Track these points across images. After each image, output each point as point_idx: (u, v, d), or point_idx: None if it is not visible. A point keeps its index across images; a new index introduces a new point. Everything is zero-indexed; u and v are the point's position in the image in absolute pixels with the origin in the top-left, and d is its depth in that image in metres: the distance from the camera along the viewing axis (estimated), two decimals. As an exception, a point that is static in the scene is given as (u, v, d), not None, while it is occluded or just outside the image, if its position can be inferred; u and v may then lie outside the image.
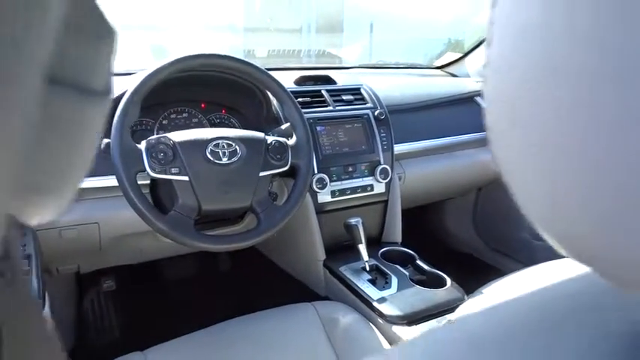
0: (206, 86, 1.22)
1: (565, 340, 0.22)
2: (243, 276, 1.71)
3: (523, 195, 0.19)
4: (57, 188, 0.21)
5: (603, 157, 0.15)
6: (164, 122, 1.20)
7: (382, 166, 1.29)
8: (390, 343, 0.98)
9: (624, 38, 0.14)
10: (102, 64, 0.20)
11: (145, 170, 0.94)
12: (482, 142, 1.50)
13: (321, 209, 1.25)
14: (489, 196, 1.74)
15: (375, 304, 1.04)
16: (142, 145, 0.95)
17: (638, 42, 0.13)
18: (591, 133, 0.15)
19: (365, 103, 1.36)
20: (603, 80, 0.14)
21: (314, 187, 1.20)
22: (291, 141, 1.09)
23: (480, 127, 1.47)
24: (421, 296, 1.06)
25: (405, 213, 1.37)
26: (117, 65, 0.22)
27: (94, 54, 0.19)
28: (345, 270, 1.18)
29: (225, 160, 0.98)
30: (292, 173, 1.10)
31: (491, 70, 0.19)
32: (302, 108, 1.16)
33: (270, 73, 1.10)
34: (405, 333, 0.99)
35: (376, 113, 1.33)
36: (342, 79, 1.43)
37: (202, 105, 1.25)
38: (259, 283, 1.64)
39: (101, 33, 0.19)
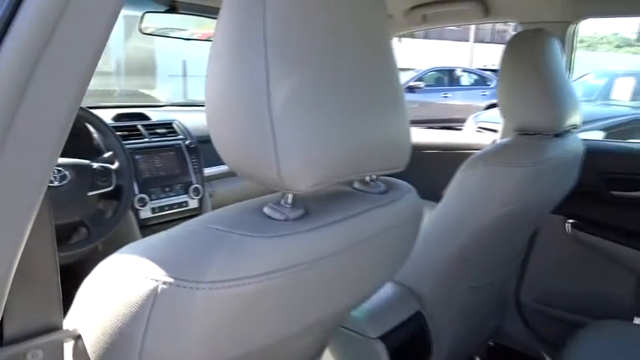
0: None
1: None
2: None
3: (218, 141, 0.50)
4: None
5: (235, 112, 0.47)
6: None
7: (194, 186, 1.58)
8: None
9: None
10: None
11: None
12: None
13: (143, 224, 1.47)
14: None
15: None
16: None
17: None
18: (232, 100, 0.47)
19: (177, 135, 1.64)
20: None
21: (136, 205, 1.43)
22: (115, 166, 1.31)
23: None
24: None
25: None
26: None
27: None
28: None
29: (56, 183, 1.17)
30: (117, 193, 1.32)
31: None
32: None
33: (91, 110, 1.32)
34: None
35: (187, 143, 1.62)
36: (156, 116, 1.68)
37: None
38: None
39: None
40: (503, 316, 1.60)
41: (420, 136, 1.98)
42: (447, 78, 9.17)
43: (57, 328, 0.47)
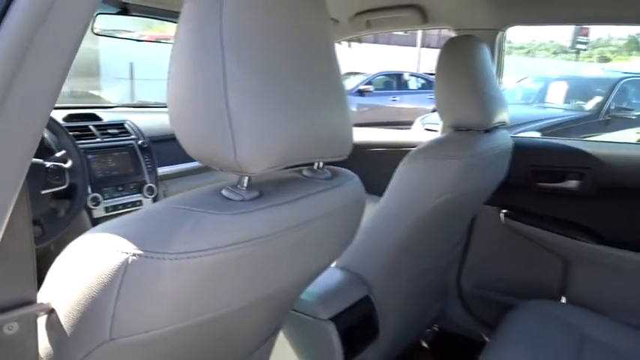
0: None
1: None
2: None
3: (181, 133, 0.56)
4: None
5: (192, 102, 0.53)
6: None
7: (148, 185, 1.60)
8: None
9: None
10: None
11: None
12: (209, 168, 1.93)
13: (97, 223, 1.47)
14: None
15: None
16: None
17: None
18: (190, 89, 0.53)
19: (129, 135, 1.65)
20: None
21: (89, 204, 1.44)
22: (68, 165, 1.32)
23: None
24: None
25: None
26: None
27: None
28: None
29: (8, 181, 1.17)
30: (70, 192, 1.33)
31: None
32: (73, 140, 1.40)
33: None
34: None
35: (140, 143, 1.63)
36: (107, 117, 1.69)
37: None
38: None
39: None
40: (446, 302, 1.71)
41: (367, 134, 2.07)
42: (395, 82, 9.42)
43: (31, 302, 0.51)
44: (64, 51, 0.43)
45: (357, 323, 1.15)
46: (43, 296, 0.54)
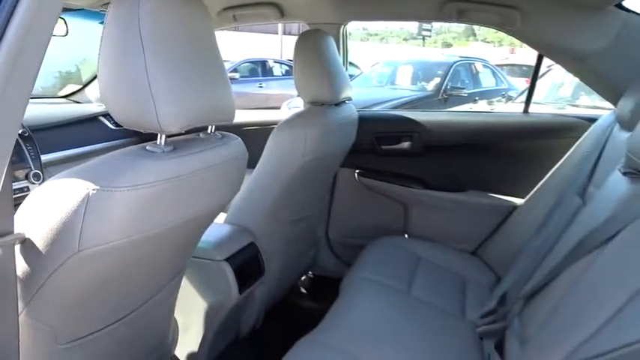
0: None
1: None
2: None
3: (113, 108, 0.77)
4: None
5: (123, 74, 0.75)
6: None
7: (34, 172, 1.68)
8: None
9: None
10: None
11: None
12: (109, 149, 2.04)
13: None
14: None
15: None
16: None
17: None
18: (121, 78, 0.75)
19: (9, 125, 1.71)
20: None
21: (-22, 192, 1.50)
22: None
23: (104, 138, 2.03)
24: None
25: None
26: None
27: None
28: None
29: None
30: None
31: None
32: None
33: None
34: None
35: (20, 132, 1.70)
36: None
37: None
38: None
39: None
40: (317, 252, 2.05)
41: (243, 115, 2.33)
42: (260, 69, 9.66)
43: (9, 232, 0.69)
44: (39, 54, 0.63)
45: (246, 263, 1.41)
46: (17, 229, 0.72)
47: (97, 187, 0.70)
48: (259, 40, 16.37)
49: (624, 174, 1.06)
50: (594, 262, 0.95)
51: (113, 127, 2.07)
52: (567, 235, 1.19)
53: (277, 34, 15.81)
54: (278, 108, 6.80)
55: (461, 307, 1.41)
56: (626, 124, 1.31)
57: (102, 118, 2.10)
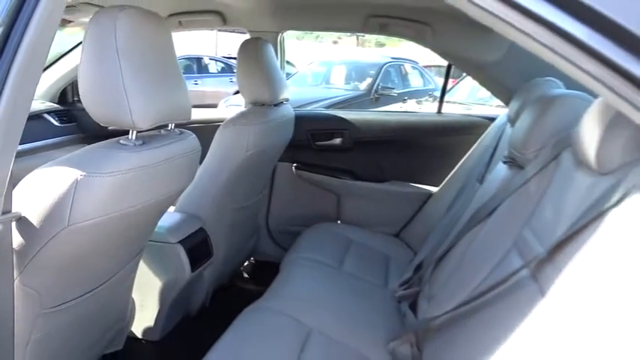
0: None
1: None
2: None
3: (91, 108, 0.93)
4: None
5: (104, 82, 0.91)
6: None
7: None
8: None
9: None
10: None
11: None
12: (55, 145, 2.11)
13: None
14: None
15: None
16: None
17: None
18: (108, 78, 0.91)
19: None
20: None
21: None
22: None
23: (49, 135, 2.09)
24: None
25: None
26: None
27: None
28: None
29: None
30: None
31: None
32: None
33: None
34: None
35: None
36: None
37: None
38: None
39: None
40: (259, 239, 2.25)
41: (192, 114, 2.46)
42: (195, 66, 9.58)
43: (9, 211, 0.84)
44: (44, 53, 0.78)
45: (197, 246, 1.58)
46: (14, 208, 0.86)
47: (84, 173, 0.86)
48: (192, 36, 16.13)
49: (504, 162, 1.34)
50: (481, 230, 1.23)
51: (58, 125, 2.15)
52: (467, 211, 1.46)
53: (212, 29, 15.65)
54: (215, 105, 6.85)
55: (384, 279, 1.66)
56: (513, 122, 1.61)
57: (46, 116, 2.17)
